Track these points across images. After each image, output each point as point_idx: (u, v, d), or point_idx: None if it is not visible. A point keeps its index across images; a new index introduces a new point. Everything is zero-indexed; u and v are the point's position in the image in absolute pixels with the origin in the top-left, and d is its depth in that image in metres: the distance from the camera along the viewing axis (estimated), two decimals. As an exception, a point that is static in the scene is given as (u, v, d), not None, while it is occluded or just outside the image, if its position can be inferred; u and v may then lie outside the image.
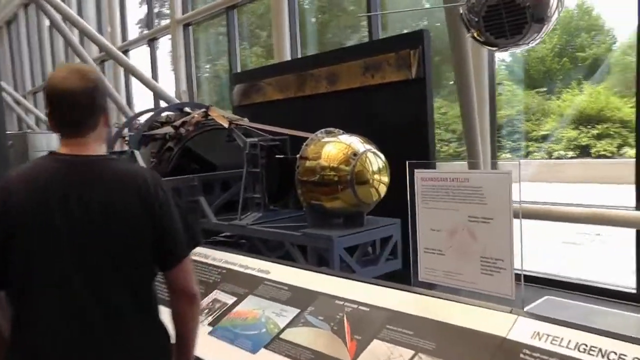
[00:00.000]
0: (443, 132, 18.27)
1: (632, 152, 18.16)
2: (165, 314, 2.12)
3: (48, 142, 12.75)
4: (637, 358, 1.85)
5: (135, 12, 18.92)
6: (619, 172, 16.16)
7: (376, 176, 5.34)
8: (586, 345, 1.95)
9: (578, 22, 21.80)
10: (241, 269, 3.24)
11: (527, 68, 22.07)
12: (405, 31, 9.73)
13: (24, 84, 28.22)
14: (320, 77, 7.50)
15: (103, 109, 2.07)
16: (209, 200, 6.93)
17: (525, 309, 2.39)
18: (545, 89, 21.62)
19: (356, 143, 5.41)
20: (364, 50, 7.14)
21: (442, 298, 2.51)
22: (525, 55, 21.58)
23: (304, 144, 5.60)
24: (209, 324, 2.92)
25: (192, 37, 14.16)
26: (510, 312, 2.25)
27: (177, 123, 7.34)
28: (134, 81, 16.65)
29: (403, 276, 5.74)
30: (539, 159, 20.45)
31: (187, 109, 8.18)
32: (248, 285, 3.07)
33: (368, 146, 5.39)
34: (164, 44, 16.36)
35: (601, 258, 9.39)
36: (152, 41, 15.67)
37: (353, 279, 2.87)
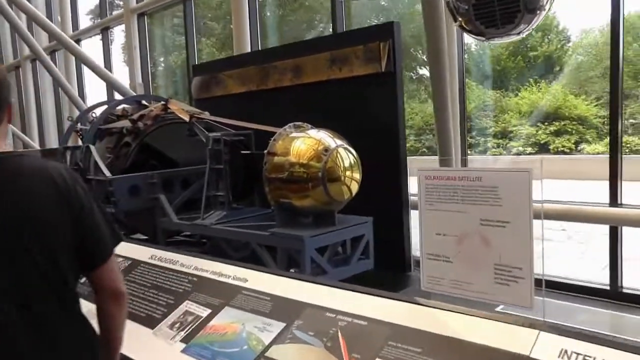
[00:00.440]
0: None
1: (589, 148, 18.65)
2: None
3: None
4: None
5: (87, 2, 18.36)
6: (577, 167, 16.47)
7: (348, 173, 5.10)
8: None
9: None
10: (214, 277, 2.94)
11: (482, 66, 22.32)
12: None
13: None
14: (285, 69, 7.23)
15: (7, 103, 1.97)
16: (169, 198, 6.60)
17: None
18: (501, 87, 21.94)
19: (326, 138, 5.16)
20: (331, 42, 6.91)
21: (450, 310, 2.24)
22: (481, 53, 21.83)
23: (272, 139, 5.31)
24: (182, 340, 2.62)
25: (147, 27, 13.72)
26: (531, 327, 2.00)
27: (135, 117, 6.97)
28: (86, 73, 16.14)
29: (375, 276, 5.58)
30: (497, 155, 20.64)
31: (145, 102, 7.82)
32: (223, 295, 2.78)
33: (339, 142, 5.15)
34: (119, 37, 15.93)
35: (569, 254, 9.38)
36: (105, 30, 15.13)
37: (343, 288, 2.61)
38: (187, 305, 2.83)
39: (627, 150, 16.34)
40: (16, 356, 1.79)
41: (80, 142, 7.78)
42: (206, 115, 6.86)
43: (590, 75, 20.40)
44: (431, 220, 2.52)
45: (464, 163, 7.50)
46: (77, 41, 15.85)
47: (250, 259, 5.59)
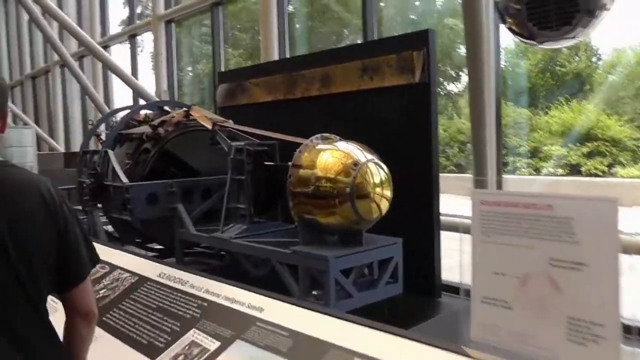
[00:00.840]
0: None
1: (623, 171, 18.07)
2: None
3: (19, 137, 11.99)
4: None
5: (119, 12, 18.37)
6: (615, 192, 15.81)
7: (378, 189, 4.73)
8: None
9: None
10: (226, 303, 2.59)
11: (512, 83, 21.91)
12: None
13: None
14: (313, 78, 6.91)
15: (3, 113, 2.01)
16: (188, 208, 6.31)
17: None
18: (530, 105, 21.51)
19: (356, 151, 4.80)
20: (362, 50, 6.58)
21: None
22: (510, 70, 21.40)
23: (297, 150, 4.97)
24: (185, 378, 2.28)
25: (175, 34, 13.56)
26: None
27: (156, 122, 6.70)
28: (115, 80, 16.08)
29: (403, 302, 5.21)
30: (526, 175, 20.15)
31: (167, 108, 7.56)
32: (235, 325, 2.42)
33: (369, 155, 4.79)
34: (149, 45, 15.86)
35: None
36: (132, 37, 15.00)
37: (376, 328, 2.23)
38: (194, 335, 2.47)
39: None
40: None
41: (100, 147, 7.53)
42: (229, 123, 6.57)
43: (621, 95, 19.88)
44: (487, 254, 2.10)
45: (499, 185, 7.09)
46: (105, 47, 15.79)
47: (271, 277, 5.30)
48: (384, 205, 4.82)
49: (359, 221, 4.71)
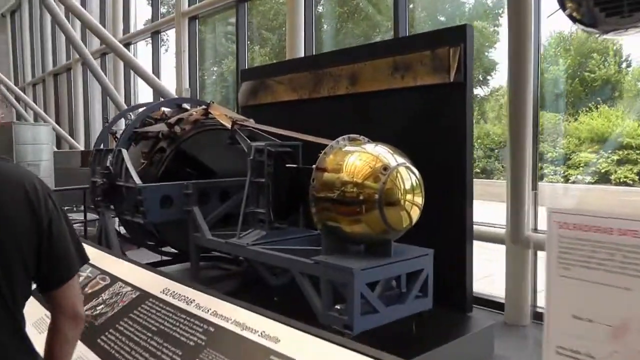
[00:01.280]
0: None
1: (653, 180, 17.57)
2: None
3: (34, 134, 11.72)
4: None
5: (146, 11, 18.14)
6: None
7: (409, 196, 4.32)
8: None
9: (591, 44, 21.41)
10: (237, 329, 2.19)
11: (542, 88, 21.41)
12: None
13: (24, 75, 27.56)
14: (340, 76, 6.52)
15: None
16: (204, 211, 5.98)
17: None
18: (557, 110, 21.05)
19: (386, 154, 4.39)
20: (393, 47, 6.16)
21: None
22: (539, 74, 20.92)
23: (322, 152, 4.57)
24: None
25: (198, 31, 13.26)
26: None
27: (172, 120, 6.35)
28: (138, 77, 15.88)
29: (432, 317, 4.80)
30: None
31: (186, 106, 7.22)
32: (245, 358, 2.04)
33: (400, 159, 4.38)
34: (174, 44, 15.63)
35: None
36: (155, 34, 14.73)
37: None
38: (198, 368, 2.09)
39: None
40: None
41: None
42: (250, 122, 6.20)
43: (652, 102, 19.42)
44: (567, 293, 1.62)
45: (535, 195, 6.65)
46: (128, 45, 15.57)
47: (291, 286, 4.96)
48: (415, 214, 4.42)
49: (387, 231, 4.31)
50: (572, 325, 1.56)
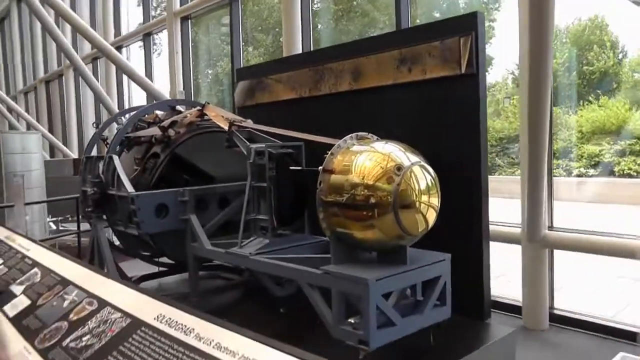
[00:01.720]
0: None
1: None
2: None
3: (23, 143, 11.31)
4: None
5: (138, 15, 17.87)
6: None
7: (424, 198, 3.95)
8: None
9: (589, 36, 21.34)
10: (226, 358, 1.83)
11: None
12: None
13: (16, 83, 27.25)
14: (342, 72, 6.17)
15: None
16: (203, 219, 5.63)
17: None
18: (556, 104, 21.03)
19: (398, 153, 4.02)
20: (399, 38, 5.81)
21: None
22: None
23: (329, 152, 4.19)
24: None
25: (192, 34, 12.93)
26: None
27: (166, 123, 5.98)
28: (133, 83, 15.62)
29: (450, 324, 4.44)
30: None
31: (180, 108, 6.85)
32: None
33: (414, 157, 4.01)
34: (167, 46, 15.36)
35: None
36: (147, 36, 14.38)
37: None
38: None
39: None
40: None
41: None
42: (249, 123, 5.83)
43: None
44: None
45: (550, 188, 6.33)
46: (119, 48, 15.24)
47: (298, 297, 4.60)
48: (431, 217, 4.06)
49: (402, 236, 3.95)
50: None
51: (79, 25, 13.44)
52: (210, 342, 2.04)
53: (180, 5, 12.40)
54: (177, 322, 2.26)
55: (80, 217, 8.50)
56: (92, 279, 3.14)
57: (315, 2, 10.78)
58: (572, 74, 21.49)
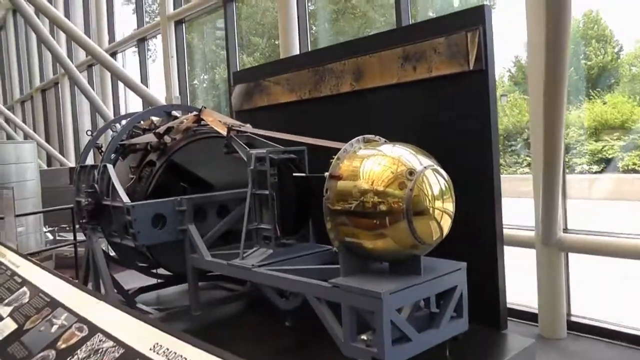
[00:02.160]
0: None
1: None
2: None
3: (18, 153, 11.04)
4: None
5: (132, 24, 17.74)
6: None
7: (438, 203, 3.70)
8: None
9: (586, 30, 21.26)
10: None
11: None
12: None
13: (12, 92, 27.10)
14: (343, 72, 5.92)
15: None
16: (202, 229, 5.39)
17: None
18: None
19: (408, 156, 3.77)
20: (402, 35, 5.55)
21: None
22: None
23: (335, 157, 3.94)
24: None
25: (186, 38, 12.70)
26: None
27: (161, 130, 5.74)
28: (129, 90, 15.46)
29: (466, 336, 4.18)
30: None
31: (176, 113, 6.61)
32: None
33: (426, 160, 3.76)
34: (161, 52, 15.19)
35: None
36: (141, 41, 14.16)
37: None
38: None
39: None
40: None
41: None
42: (248, 128, 5.58)
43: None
44: None
45: (563, 187, 6.08)
46: (114, 54, 15.04)
47: (305, 309, 4.31)
48: (446, 224, 3.80)
49: (416, 245, 3.69)
50: None
51: (73, 33, 13.28)
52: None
53: (174, 9, 12.20)
54: (175, 353, 2.01)
55: (76, 227, 8.28)
56: (83, 300, 2.89)
57: (310, 2, 10.56)
58: (571, 70, 21.39)
